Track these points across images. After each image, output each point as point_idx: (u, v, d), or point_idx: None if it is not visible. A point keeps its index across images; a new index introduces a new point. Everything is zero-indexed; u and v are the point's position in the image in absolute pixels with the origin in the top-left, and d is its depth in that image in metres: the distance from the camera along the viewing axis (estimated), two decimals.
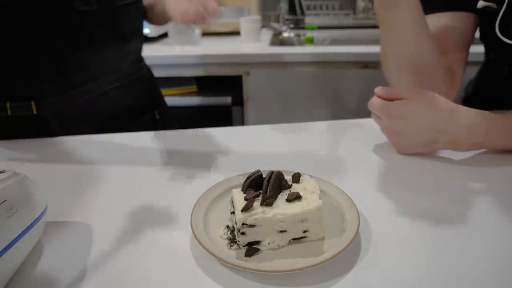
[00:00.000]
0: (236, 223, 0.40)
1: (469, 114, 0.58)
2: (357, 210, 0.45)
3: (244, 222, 0.40)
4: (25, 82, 0.73)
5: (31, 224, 0.40)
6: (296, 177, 0.45)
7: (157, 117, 0.95)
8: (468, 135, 0.58)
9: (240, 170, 0.53)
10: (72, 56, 0.75)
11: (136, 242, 0.44)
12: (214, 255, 0.39)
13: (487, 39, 0.81)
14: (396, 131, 0.62)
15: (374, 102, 0.64)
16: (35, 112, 0.73)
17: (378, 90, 0.64)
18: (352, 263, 0.40)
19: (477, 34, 0.83)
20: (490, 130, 0.58)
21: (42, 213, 0.42)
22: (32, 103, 0.73)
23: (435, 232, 0.45)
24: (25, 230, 0.39)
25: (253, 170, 0.45)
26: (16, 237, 0.37)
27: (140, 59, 0.94)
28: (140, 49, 0.93)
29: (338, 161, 0.63)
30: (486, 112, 0.59)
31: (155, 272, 0.40)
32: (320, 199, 0.42)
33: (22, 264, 0.40)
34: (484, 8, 0.74)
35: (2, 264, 0.36)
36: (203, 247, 0.40)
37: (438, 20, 0.77)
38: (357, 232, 0.41)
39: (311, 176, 0.47)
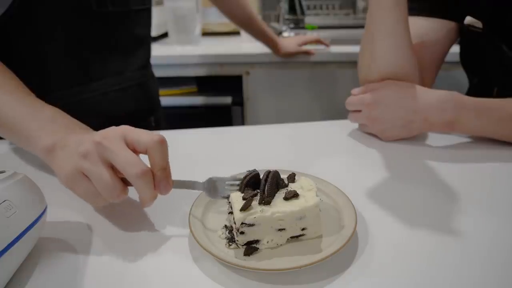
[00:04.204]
0: (234, 223, 0.40)
1: (438, 92, 0.63)
2: (354, 208, 0.45)
3: (243, 221, 0.40)
4: (29, 74, 0.73)
5: (31, 224, 0.40)
6: (291, 177, 0.45)
7: (153, 124, 0.96)
8: (438, 111, 0.62)
9: (239, 170, 0.53)
10: (79, 54, 0.75)
11: (135, 242, 0.45)
12: (213, 254, 0.39)
13: (470, 63, 0.79)
14: (375, 118, 0.66)
15: (350, 99, 0.69)
16: None
17: (354, 90, 0.70)
18: (350, 260, 0.41)
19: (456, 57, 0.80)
20: (459, 107, 0.61)
21: (42, 213, 0.43)
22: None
23: (432, 228, 0.45)
24: (25, 230, 0.39)
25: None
26: (16, 237, 0.37)
27: (146, 66, 0.94)
28: (146, 56, 0.93)
29: (338, 160, 0.63)
30: (455, 92, 0.62)
31: (155, 272, 0.40)
32: (317, 196, 0.42)
33: (22, 264, 0.40)
34: (468, 26, 0.72)
35: (2, 264, 0.36)
36: (202, 247, 0.40)
37: (418, 23, 0.74)
38: (355, 229, 0.42)
39: (307, 176, 0.47)
